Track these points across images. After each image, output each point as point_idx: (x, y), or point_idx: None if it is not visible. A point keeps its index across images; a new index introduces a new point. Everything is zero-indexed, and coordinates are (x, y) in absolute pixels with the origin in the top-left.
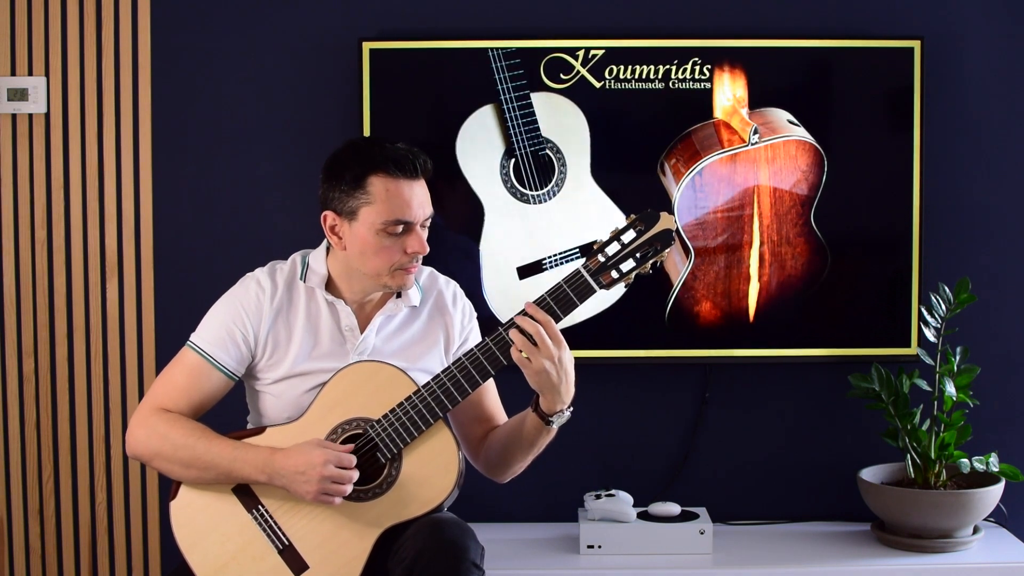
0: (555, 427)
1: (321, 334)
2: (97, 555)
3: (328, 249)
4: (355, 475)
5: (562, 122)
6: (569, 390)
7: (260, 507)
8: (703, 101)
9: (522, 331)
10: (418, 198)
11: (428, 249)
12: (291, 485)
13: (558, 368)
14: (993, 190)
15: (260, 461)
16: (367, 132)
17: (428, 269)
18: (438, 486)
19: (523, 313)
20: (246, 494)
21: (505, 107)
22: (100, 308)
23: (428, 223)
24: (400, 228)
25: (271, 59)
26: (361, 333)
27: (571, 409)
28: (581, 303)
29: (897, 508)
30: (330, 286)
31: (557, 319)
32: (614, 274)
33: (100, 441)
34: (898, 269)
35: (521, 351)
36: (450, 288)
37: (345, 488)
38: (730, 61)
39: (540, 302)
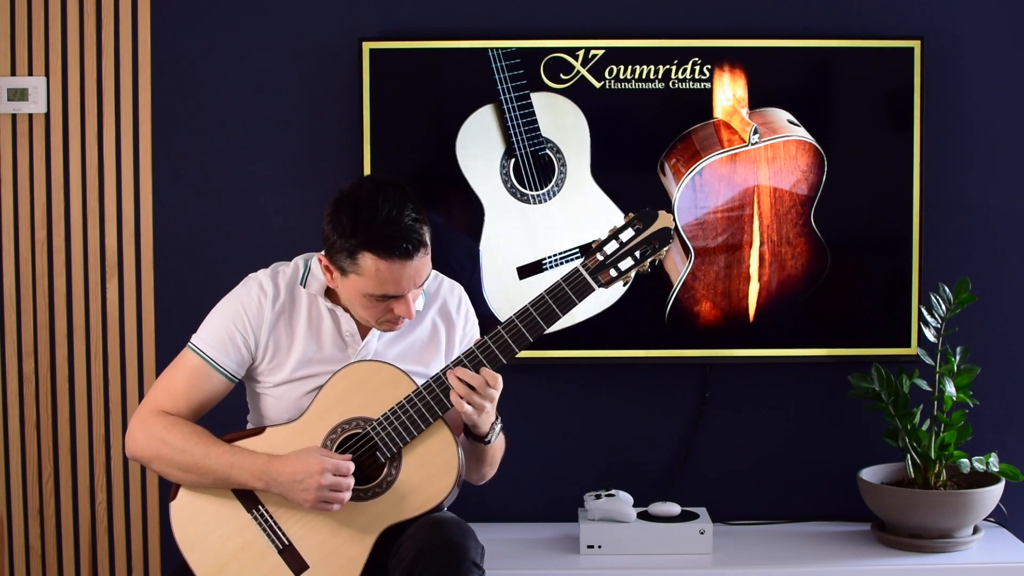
0: (495, 442)
1: (323, 339)
2: (97, 555)
3: None
4: (352, 482)
5: (562, 122)
6: (492, 413)
7: (260, 507)
8: (703, 101)
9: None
10: (408, 276)
11: (415, 315)
12: (288, 493)
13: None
14: (993, 190)
15: (257, 468)
16: (367, 132)
17: (433, 272)
18: (438, 485)
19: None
20: (246, 494)
21: (505, 107)
22: (100, 308)
23: (422, 286)
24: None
25: (271, 59)
26: (362, 339)
27: (500, 421)
28: (580, 301)
29: (897, 508)
30: (330, 293)
31: (556, 318)
32: (612, 272)
33: (100, 441)
34: (898, 269)
35: (463, 398)
36: (455, 294)
37: (343, 496)
38: (730, 61)
39: (538, 301)
